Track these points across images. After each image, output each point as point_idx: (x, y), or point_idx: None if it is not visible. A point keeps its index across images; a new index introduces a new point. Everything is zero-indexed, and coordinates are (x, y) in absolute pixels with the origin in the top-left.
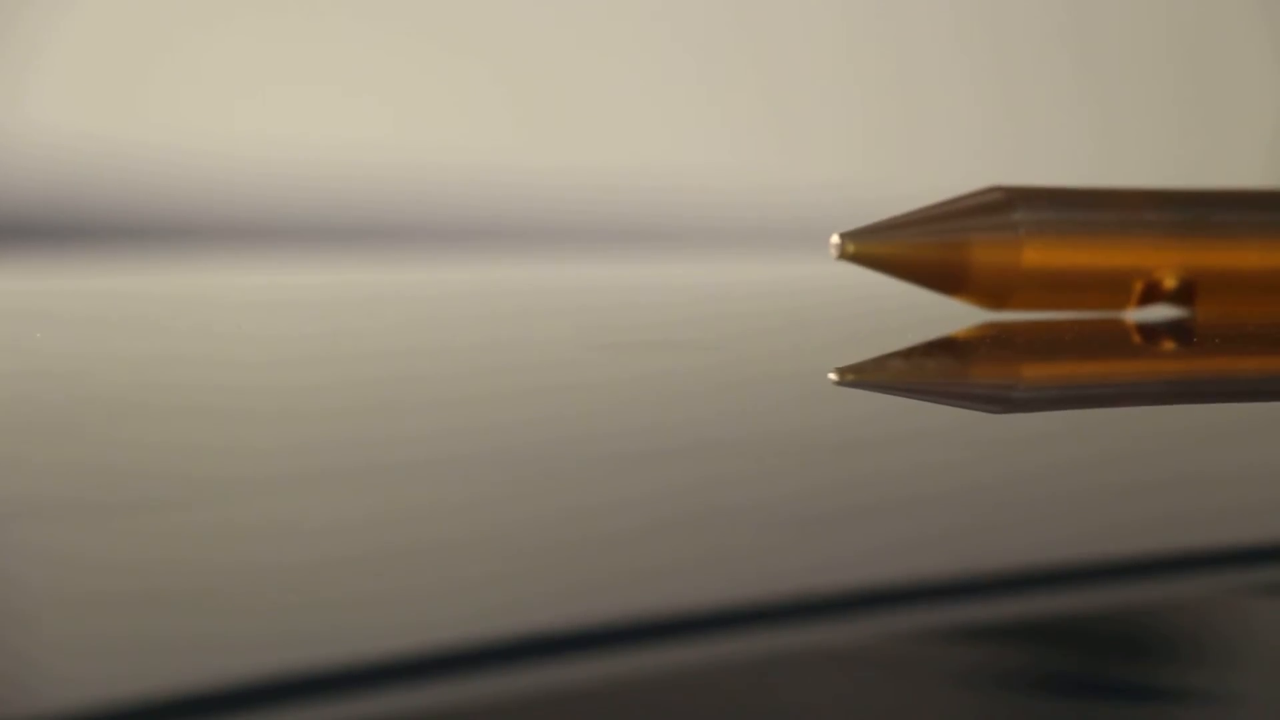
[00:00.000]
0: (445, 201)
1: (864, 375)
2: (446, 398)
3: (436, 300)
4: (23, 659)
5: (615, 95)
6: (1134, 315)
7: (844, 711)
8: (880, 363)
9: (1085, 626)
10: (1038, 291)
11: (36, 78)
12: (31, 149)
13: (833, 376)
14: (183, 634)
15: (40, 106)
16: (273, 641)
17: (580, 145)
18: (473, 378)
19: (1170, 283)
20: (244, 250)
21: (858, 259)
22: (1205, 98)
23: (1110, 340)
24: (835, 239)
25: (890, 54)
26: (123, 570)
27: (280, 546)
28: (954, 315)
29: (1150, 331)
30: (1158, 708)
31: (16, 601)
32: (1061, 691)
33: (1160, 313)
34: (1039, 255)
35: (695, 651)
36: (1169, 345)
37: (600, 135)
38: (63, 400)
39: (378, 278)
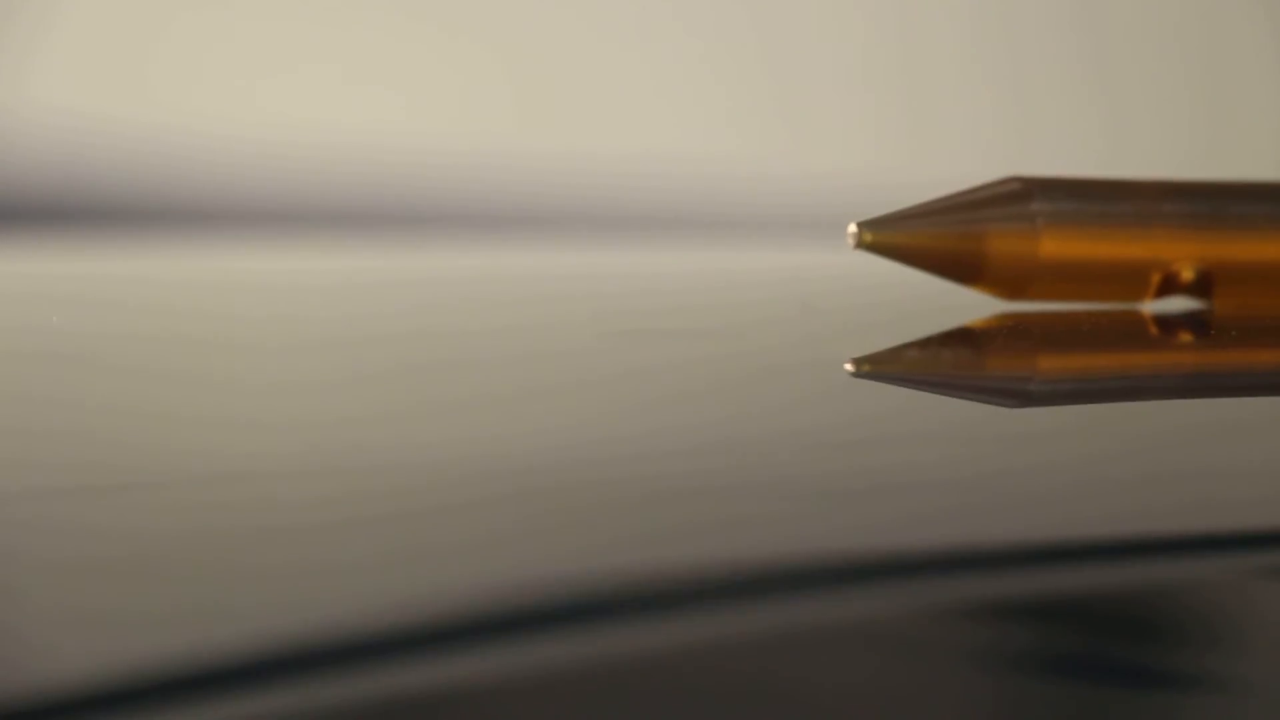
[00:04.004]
0: (456, 187)
1: (880, 366)
2: (457, 384)
3: (447, 286)
4: (25, 637)
5: (630, 82)
6: (1151, 307)
7: (856, 689)
8: (896, 353)
9: (1095, 607)
10: (1055, 282)
11: (41, 58)
12: (36, 130)
13: (849, 367)
14: (184, 611)
15: (45, 87)
16: (272, 619)
17: (594, 132)
18: (483, 365)
19: (1188, 275)
20: (250, 234)
21: (875, 248)
22: (1219, 88)
23: (1127, 332)
24: (852, 228)
25: (903, 42)
26: (129, 549)
27: (286, 528)
28: (970, 305)
29: (1167, 323)
30: (1170, 690)
31: (20, 579)
32: (1074, 673)
33: (1177, 305)
34: (1056, 246)
35: (707, 629)
36: (1186, 337)
37: (614, 122)
38: (69, 384)
39: (386, 263)
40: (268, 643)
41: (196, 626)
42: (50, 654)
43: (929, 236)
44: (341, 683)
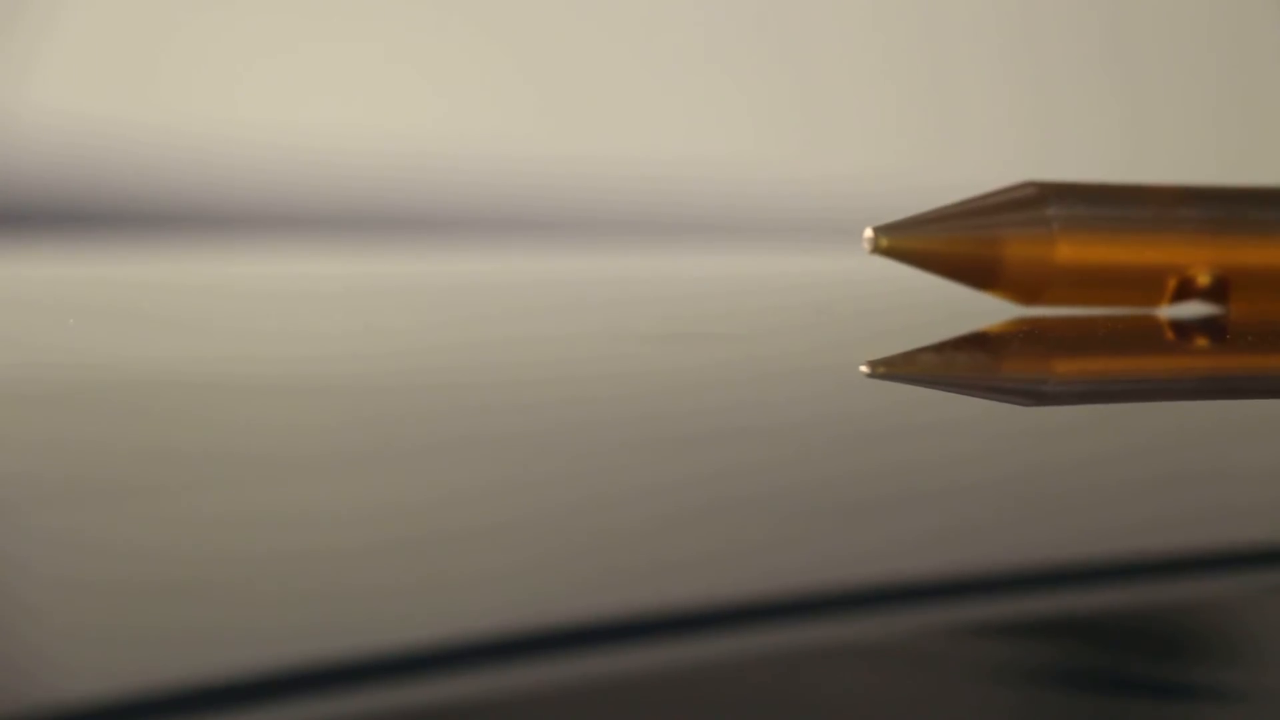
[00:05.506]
0: (470, 191)
1: (895, 368)
2: (475, 390)
3: (460, 292)
4: (35, 648)
5: (646, 85)
6: (1167, 312)
7: (871, 706)
8: (911, 356)
9: (1113, 622)
10: (1071, 287)
11: (45, 60)
12: (40, 133)
13: (864, 369)
14: (193, 623)
15: (49, 90)
16: (284, 633)
17: (610, 136)
18: (500, 369)
19: (1204, 279)
20: (259, 238)
21: (891, 253)
22: (1239, 93)
23: (1143, 337)
24: (868, 233)
25: (921, 47)
26: (137, 558)
27: (298, 537)
28: (986, 310)
29: (1183, 328)
30: (1187, 705)
31: (28, 589)
32: (1090, 687)
33: (1193, 310)
34: (1072, 251)
35: (722, 644)
36: (1202, 342)
37: (630, 126)
38: (71, 389)
39: (398, 268)
40: (278, 658)
41: (205, 642)
42: (58, 666)
43: (945, 241)
44: (364, 700)
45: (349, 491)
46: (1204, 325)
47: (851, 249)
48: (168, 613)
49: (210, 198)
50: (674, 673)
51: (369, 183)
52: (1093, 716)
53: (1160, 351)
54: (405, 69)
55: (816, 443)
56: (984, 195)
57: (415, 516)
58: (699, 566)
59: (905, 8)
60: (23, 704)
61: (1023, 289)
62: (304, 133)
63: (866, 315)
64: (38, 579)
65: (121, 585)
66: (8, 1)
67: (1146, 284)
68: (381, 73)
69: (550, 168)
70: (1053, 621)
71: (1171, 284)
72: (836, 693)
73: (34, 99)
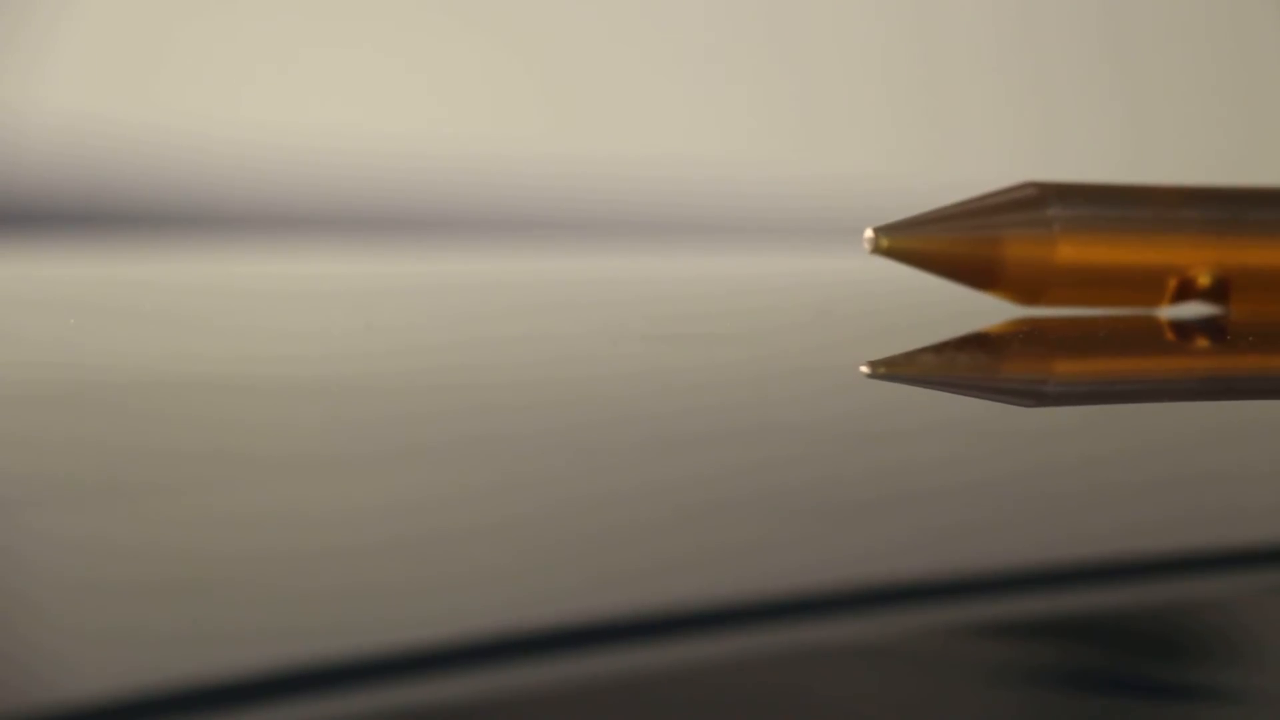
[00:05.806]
0: (471, 192)
1: (896, 369)
2: (474, 390)
3: (460, 293)
4: (38, 647)
5: (645, 85)
6: (1168, 312)
7: (870, 706)
8: (912, 357)
9: (1113, 622)
10: (1071, 288)
11: (53, 60)
12: (48, 133)
13: (864, 369)
14: (194, 623)
15: (57, 90)
16: (285, 633)
17: (610, 136)
18: (499, 369)
19: (1204, 280)
20: (264, 239)
21: (891, 253)
22: (1238, 92)
23: (1143, 337)
24: (869, 233)
25: (921, 46)
26: (137, 558)
27: (298, 536)
28: (986, 311)
29: (1184, 329)
30: (1189, 706)
31: (30, 589)
32: (1091, 688)
33: (1194, 310)
34: (1073, 251)
35: (720, 644)
36: (1202, 343)
37: (630, 125)
38: (71, 389)
39: (398, 268)
40: (283, 662)
41: (206, 642)
42: (58, 666)
43: (945, 242)
44: (368, 700)
45: (348, 491)
46: (1205, 326)
47: (852, 249)
48: (169, 613)
49: (212, 198)
50: (672, 673)
51: (369, 183)
52: (1093, 716)
53: (1161, 352)
54: (404, 70)
55: (816, 443)
56: (984, 195)
57: (414, 516)
58: (697, 566)
59: (905, 8)
60: (23, 704)
61: (1023, 289)
62: (305, 133)
63: (866, 315)
64: (38, 578)
65: (122, 585)
66: (14, 2)
67: (1147, 284)
68: (382, 74)
69: (549, 168)
70: (1053, 621)
71: (1172, 284)
72: (836, 693)
73: (39, 99)
